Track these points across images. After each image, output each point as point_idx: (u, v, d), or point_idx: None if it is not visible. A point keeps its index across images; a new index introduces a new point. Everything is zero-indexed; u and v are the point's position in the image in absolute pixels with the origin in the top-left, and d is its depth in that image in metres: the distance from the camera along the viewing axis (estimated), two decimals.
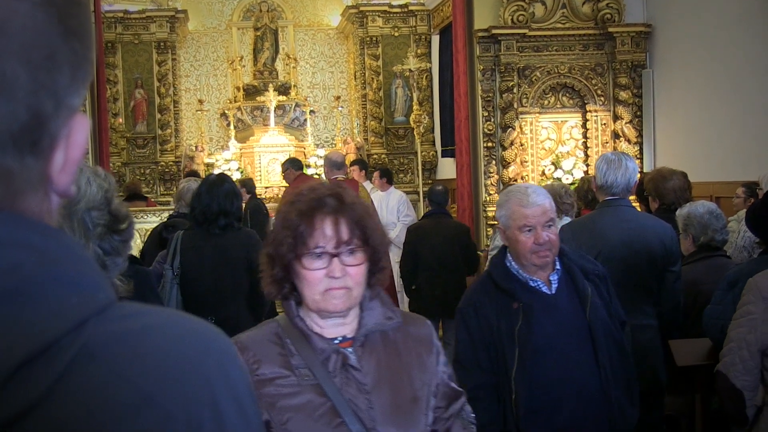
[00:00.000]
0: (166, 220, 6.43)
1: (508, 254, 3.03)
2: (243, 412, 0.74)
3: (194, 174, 10.42)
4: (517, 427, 2.85)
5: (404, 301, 9.04)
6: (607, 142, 9.43)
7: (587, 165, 9.45)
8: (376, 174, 9.12)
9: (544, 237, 2.90)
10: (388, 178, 9.47)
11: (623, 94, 9.37)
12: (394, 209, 8.74)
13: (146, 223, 8.90)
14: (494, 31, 9.11)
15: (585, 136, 9.57)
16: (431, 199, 6.96)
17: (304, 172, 9.73)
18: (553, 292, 2.97)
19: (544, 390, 2.85)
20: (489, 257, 6.75)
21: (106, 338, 0.68)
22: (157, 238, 5.47)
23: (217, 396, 0.71)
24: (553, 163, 9.45)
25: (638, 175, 8.65)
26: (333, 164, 7.26)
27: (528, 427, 2.84)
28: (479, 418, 2.35)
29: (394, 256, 8.69)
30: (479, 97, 9.27)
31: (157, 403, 0.67)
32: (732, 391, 3.14)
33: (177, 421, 0.68)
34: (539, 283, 2.97)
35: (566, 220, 4.92)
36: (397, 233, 8.01)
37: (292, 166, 9.38)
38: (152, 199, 10.79)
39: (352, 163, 9.36)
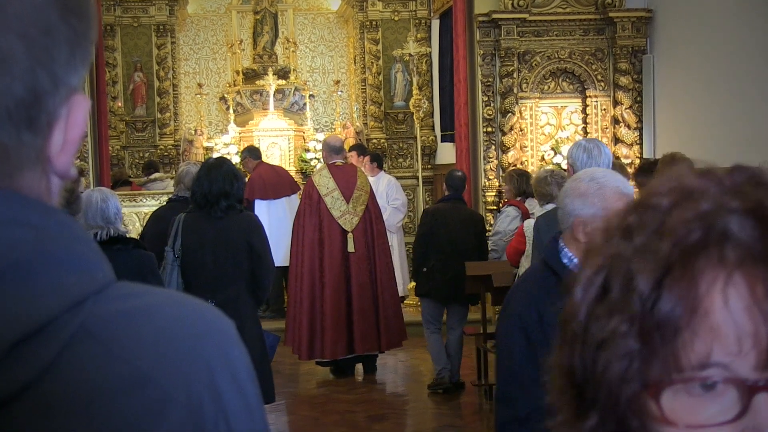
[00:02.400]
0: (164, 203, 6.42)
1: (566, 250, 2.52)
2: (243, 393, 0.73)
3: (153, 165, 10.44)
4: None
5: (406, 283, 9.07)
6: (606, 128, 9.42)
7: None
8: (366, 159, 9.09)
9: None
10: (379, 162, 9.45)
11: (623, 80, 9.34)
12: (383, 194, 8.73)
13: (144, 206, 8.89)
14: (494, 16, 9.08)
15: (585, 122, 9.55)
16: (449, 183, 6.87)
17: (264, 160, 9.49)
18: None
19: None
20: (490, 243, 6.73)
21: (105, 317, 0.68)
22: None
23: (216, 377, 0.71)
24: (552, 149, 9.43)
25: (637, 161, 8.72)
26: (331, 149, 7.18)
27: None
28: None
29: (394, 239, 8.72)
30: (479, 82, 9.24)
31: (156, 383, 0.67)
32: None
33: (176, 402, 0.67)
34: None
35: (549, 207, 4.75)
36: (387, 217, 8.00)
37: (250, 155, 9.19)
38: (137, 184, 10.71)
39: (351, 149, 9.32)
